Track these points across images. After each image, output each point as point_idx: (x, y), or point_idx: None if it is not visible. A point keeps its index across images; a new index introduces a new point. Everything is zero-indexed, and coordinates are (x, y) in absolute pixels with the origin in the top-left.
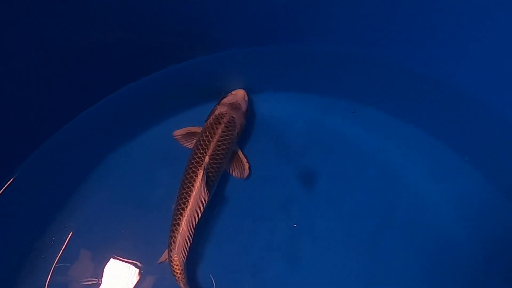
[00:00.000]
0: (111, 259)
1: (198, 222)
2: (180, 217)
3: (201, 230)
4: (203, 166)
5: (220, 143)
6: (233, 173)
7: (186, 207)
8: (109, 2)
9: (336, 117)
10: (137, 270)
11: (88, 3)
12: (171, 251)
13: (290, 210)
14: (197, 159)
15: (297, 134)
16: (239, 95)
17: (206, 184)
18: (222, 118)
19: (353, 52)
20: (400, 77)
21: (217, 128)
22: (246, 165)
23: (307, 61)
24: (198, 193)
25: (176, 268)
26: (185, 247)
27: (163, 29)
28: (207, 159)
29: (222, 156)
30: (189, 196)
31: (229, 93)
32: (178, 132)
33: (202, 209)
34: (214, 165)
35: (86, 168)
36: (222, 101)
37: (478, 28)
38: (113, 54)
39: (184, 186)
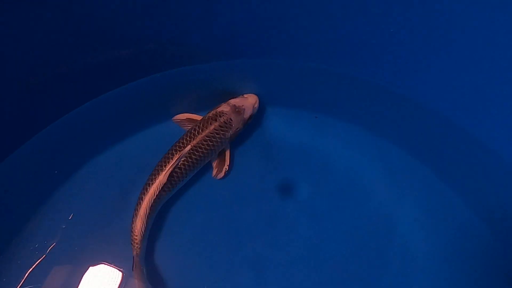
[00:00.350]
0: (95, 264)
1: (159, 201)
2: (145, 192)
3: (170, 229)
4: (180, 153)
5: (208, 138)
6: (213, 170)
7: (152, 183)
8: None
9: (310, 131)
10: (120, 275)
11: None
12: (132, 222)
13: (261, 219)
14: (179, 145)
15: (279, 147)
16: (248, 100)
17: (175, 172)
18: (220, 117)
19: (328, 69)
20: (375, 94)
21: (210, 124)
22: (225, 168)
23: (286, 76)
24: (162, 175)
25: (135, 245)
26: (144, 219)
27: (143, 38)
28: (187, 148)
29: (205, 152)
30: (158, 174)
31: (241, 95)
32: (178, 117)
33: (162, 191)
34: (193, 157)
35: (67, 172)
36: (230, 100)
37: (447, 49)
38: (95, 60)
39: (159, 164)
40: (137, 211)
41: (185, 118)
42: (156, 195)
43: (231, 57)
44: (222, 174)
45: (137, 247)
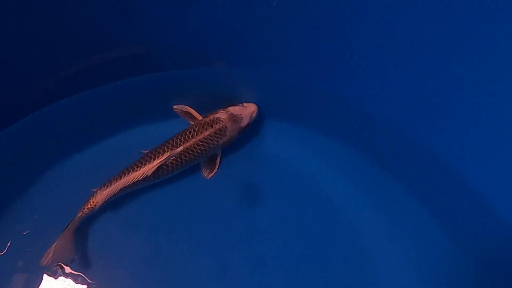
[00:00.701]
0: (51, 273)
1: (134, 186)
2: (123, 175)
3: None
4: (171, 152)
5: (200, 143)
6: (202, 169)
7: (136, 170)
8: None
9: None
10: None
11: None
12: (99, 189)
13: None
14: (172, 144)
15: (247, 155)
16: (247, 109)
17: (161, 167)
18: (216, 124)
19: (293, 80)
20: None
21: (206, 130)
22: (214, 171)
23: (257, 85)
24: (148, 168)
25: (91, 202)
26: (110, 195)
27: (112, 42)
28: (179, 149)
29: (196, 155)
30: (145, 165)
31: (241, 104)
32: (178, 107)
33: (139, 182)
34: (183, 158)
35: (26, 179)
36: (228, 108)
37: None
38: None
39: (148, 155)
40: (110, 184)
41: (184, 110)
42: (134, 182)
43: (203, 65)
44: (211, 175)
45: (87, 211)
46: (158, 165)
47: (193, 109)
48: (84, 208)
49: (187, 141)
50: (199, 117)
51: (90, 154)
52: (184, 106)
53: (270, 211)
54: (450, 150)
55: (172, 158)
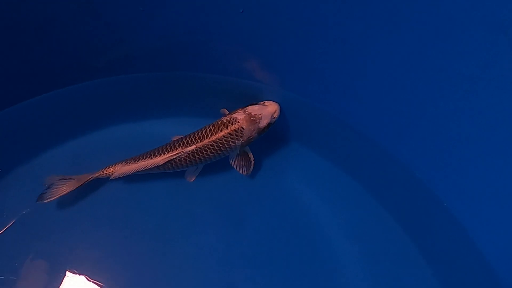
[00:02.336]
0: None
1: (145, 172)
2: (140, 159)
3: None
4: (183, 149)
5: (214, 144)
6: (238, 169)
7: (147, 159)
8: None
9: None
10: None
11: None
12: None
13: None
14: (186, 141)
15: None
16: (268, 109)
17: (174, 161)
18: (232, 125)
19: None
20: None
21: (220, 131)
22: (251, 166)
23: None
24: (159, 160)
25: (109, 170)
26: (122, 173)
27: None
28: (191, 147)
29: (210, 154)
30: (157, 156)
31: (262, 102)
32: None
33: (152, 169)
34: (196, 156)
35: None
36: (248, 107)
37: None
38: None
39: (162, 147)
40: (128, 163)
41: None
42: (147, 168)
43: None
44: (248, 171)
45: (102, 174)
46: (169, 159)
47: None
48: (101, 171)
49: (200, 141)
50: None
51: (67, 149)
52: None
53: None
54: (420, 161)
55: (184, 155)
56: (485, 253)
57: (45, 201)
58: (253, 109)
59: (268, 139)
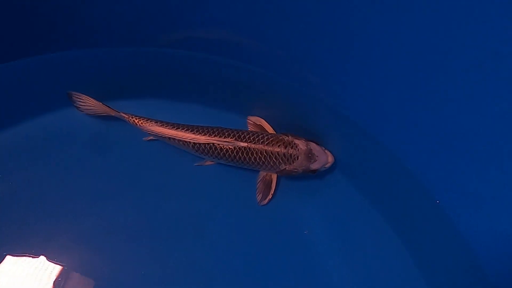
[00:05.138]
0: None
1: (172, 141)
2: (180, 127)
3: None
4: (234, 141)
5: (262, 154)
6: (257, 195)
7: (188, 131)
8: None
9: None
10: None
11: None
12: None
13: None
14: (241, 135)
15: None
16: (326, 157)
17: (215, 146)
18: (291, 148)
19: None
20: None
21: (278, 146)
22: (269, 196)
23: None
24: (202, 138)
25: (141, 121)
26: (154, 131)
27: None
28: (243, 144)
29: (249, 160)
30: (202, 134)
31: (324, 148)
32: (252, 118)
33: (187, 143)
34: (237, 154)
35: None
36: (311, 142)
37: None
38: None
39: (213, 129)
40: (165, 125)
41: (257, 122)
42: (178, 140)
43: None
44: (265, 202)
45: (132, 120)
46: (213, 141)
47: (267, 122)
48: (133, 116)
49: (253, 143)
50: (273, 131)
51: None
52: (259, 118)
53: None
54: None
55: (229, 146)
56: (480, 256)
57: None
58: (314, 148)
59: None
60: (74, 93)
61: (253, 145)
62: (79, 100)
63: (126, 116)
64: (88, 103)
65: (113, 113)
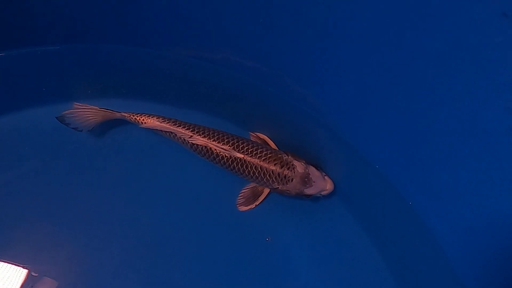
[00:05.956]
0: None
1: (169, 135)
2: (179, 124)
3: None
4: (232, 149)
5: (260, 168)
6: (238, 198)
7: (187, 129)
8: None
9: None
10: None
11: None
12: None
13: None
14: (240, 144)
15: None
16: (323, 183)
17: (210, 149)
18: (287, 169)
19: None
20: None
21: (274, 164)
22: (251, 206)
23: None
24: (199, 139)
25: (139, 118)
26: (154, 126)
27: None
28: (239, 155)
29: (243, 172)
30: (200, 134)
31: (325, 173)
32: (255, 134)
33: (181, 140)
34: (232, 163)
35: None
36: (311, 166)
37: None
38: None
39: (213, 131)
40: (164, 121)
41: (261, 138)
42: (179, 136)
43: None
44: (245, 208)
45: (132, 118)
46: (210, 145)
47: (270, 139)
48: (133, 115)
49: (250, 156)
50: (275, 148)
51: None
52: (261, 134)
53: None
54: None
55: (224, 152)
56: (451, 257)
57: (65, 122)
58: (313, 173)
59: None
60: (65, 112)
61: (248, 158)
62: (73, 116)
63: (127, 115)
64: (85, 112)
65: (113, 116)
